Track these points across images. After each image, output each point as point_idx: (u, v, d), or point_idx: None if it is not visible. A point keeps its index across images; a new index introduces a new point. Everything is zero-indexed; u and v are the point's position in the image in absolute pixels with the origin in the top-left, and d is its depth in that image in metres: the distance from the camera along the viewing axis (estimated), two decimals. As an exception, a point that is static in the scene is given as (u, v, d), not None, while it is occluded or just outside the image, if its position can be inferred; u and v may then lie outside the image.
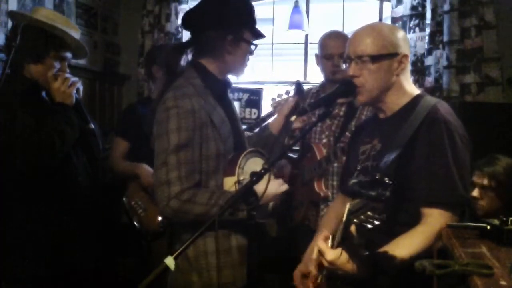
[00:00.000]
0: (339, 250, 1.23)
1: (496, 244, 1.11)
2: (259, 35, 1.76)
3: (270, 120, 2.21)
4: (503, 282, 0.88)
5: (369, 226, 1.09)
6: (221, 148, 1.65)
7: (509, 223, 1.12)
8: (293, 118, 1.95)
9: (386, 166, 1.40)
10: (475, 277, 0.91)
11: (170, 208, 1.54)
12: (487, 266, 0.93)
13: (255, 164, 1.69)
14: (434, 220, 1.35)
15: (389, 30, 1.53)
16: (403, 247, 1.31)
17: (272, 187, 1.65)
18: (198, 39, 1.73)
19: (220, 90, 1.75)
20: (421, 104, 1.48)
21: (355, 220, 1.11)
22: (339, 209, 1.65)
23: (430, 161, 1.39)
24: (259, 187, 1.56)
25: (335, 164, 2.36)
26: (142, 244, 2.68)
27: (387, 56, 1.48)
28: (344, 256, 1.24)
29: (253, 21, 1.74)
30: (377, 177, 1.05)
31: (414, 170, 1.41)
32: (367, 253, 1.31)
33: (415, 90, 1.57)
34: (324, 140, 2.44)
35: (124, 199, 2.68)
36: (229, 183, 1.64)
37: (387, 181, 1.04)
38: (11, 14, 2.20)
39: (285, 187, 1.71)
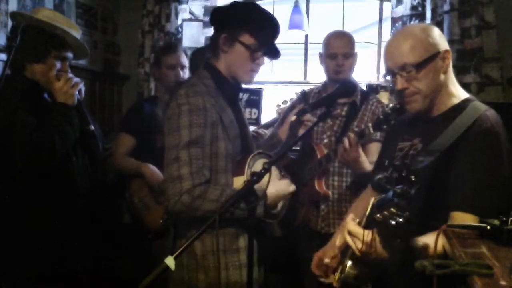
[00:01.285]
0: (364, 231, 1.20)
1: (496, 244, 1.11)
2: (262, 41, 1.71)
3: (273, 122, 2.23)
4: (503, 282, 0.88)
5: (393, 222, 1.08)
6: (229, 148, 1.67)
7: (509, 223, 1.12)
8: (293, 118, 1.96)
9: (422, 167, 1.33)
10: (475, 277, 0.91)
11: (182, 204, 1.54)
12: (487, 266, 0.93)
13: (262, 165, 1.71)
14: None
15: (423, 31, 1.47)
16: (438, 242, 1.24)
17: (281, 187, 1.69)
18: (210, 39, 1.79)
19: (231, 92, 1.77)
20: (469, 108, 1.42)
21: (378, 215, 1.10)
22: (367, 202, 1.67)
23: (474, 170, 1.34)
24: (269, 188, 1.59)
25: (336, 164, 2.36)
26: (142, 244, 2.68)
27: (430, 58, 1.42)
28: (369, 235, 1.19)
29: (255, 25, 1.71)
30: (403, 174, 1.04)
31: (454, 176, 1.36)
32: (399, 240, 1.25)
33: (462, 92, 1.52)
34: (326, 140, 2.44)
35: (126, 197, 2.68)
36: (239, 183, 1.65)
37: (413, 179, 1.03)
38: (12, 15, 2.20)
39: (293, 187, 1.74)
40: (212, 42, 1.76)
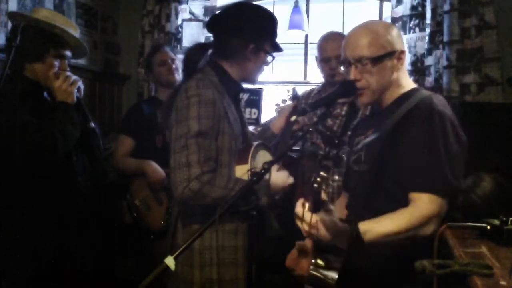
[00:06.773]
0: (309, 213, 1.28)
1: (496, 244, 1.11)
2: (278, 49, 1.83)
3: (271, 121, 2.25)
4: (503, 282, 0.88)
5: (326, 188, 1.17)
6: (233, 144, 1.70)
7: (509, 223, 1.13)
8: (293, 118, 1.97)
9: (365, 146, 1.43)
10: (475, 277, 0.91)
11: (190, 190, 1.55)
12: (487, 266, 0.93)
13: (264, 156, 1.77)
14: (422, 204, 1.35)
15: (384, 29, 1.53)
16: (385, 224, 1.33)
17: (280, 179, 1.72)
18: (221, 42, 1.79)
19: (234, 91, 1.82)
20: (415, 95, 1.50)
21: (315, 185, 1.18)
22: (341, 204, 1.72)
23: (419, 149, 1.39)
24: (271, 178, 1.64)
25: (335, 163, 2.36)
26: (143, 244, 2.68)
27: (386, 55, 1.49)
28: (312, 217, 1.27)
29: (274, 34, 1.81)
30: (327, 133, 1.12)
31: (400, 155, 1.42)
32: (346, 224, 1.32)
33: (411, 84, 1.59)
34: None
35: (128, 197, 2.68)
36: (241, 171, 1.68)
37: (336, 141, 1.10)
38: (11, 15, 2.21)
39: (291, 179, 1.78)
40: (233, 49, 1.74)
